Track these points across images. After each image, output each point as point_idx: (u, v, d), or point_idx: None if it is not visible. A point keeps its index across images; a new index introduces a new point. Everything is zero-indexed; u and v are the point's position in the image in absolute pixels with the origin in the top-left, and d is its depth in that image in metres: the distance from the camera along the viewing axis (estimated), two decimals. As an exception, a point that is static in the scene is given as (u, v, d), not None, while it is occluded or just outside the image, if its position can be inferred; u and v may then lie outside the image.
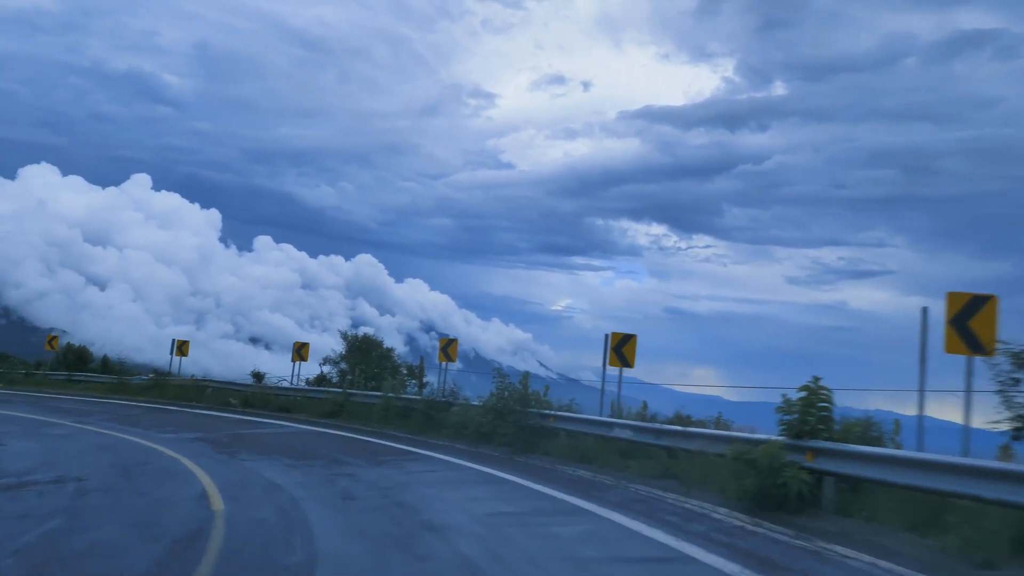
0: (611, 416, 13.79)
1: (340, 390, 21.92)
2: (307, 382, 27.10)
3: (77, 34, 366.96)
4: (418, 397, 19.31)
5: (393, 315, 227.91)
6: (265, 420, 20.51)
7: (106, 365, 37.31)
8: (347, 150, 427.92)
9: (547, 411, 15.08)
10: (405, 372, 27.31)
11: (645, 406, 13.80)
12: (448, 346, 20.32)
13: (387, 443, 16.00)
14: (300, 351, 25.11)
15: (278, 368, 27.99)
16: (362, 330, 29.20)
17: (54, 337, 32.05)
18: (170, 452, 13.89)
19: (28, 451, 13.65)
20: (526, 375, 15.99)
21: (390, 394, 19.91)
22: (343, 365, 27.79)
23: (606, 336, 15.46)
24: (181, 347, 27.68)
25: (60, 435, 16.57)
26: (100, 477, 10.44)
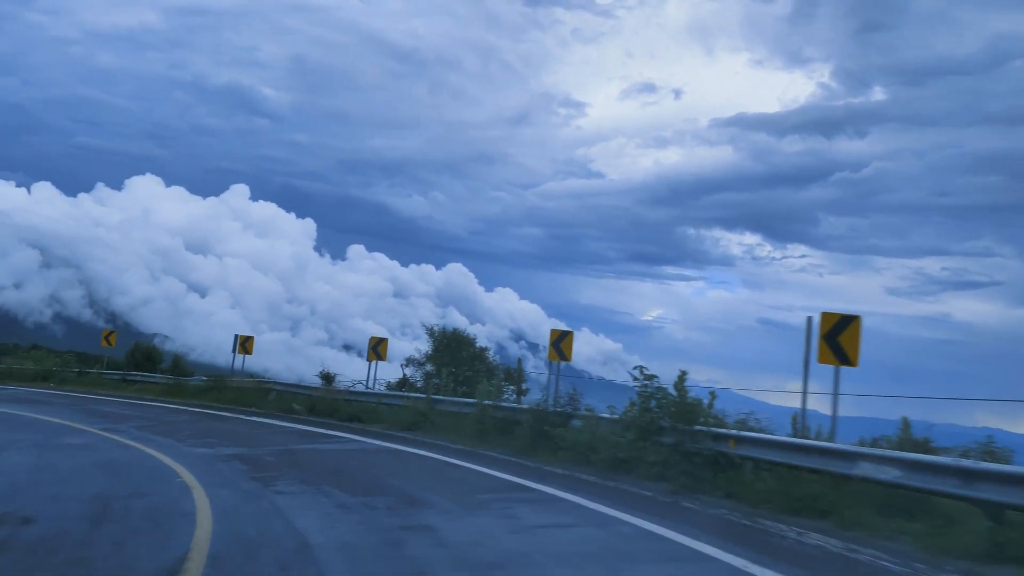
0: (855, 445, 8.85)
1: (423, 395, 17.65)
2: (387, 386, 23.07)
3: (181, 51, 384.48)
4: (523, 407, 14.81)
5: (483, 324, 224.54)
6: (329, 432, 16.45)
7: (177, 365, 34.65)
8: (438, 160, 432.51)
9: (722, 430, 10.33)
10: (501, 376, 22.94)
11: (912, 429, 8.82)
12: (561, 340, 15.77)
13: (484, 469, 11.57)
14: (377, 348, 21.08)
15: (362, 373, 24.07)
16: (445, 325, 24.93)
17: (111, 332, 29.30)
18: (186, 477, 10.10)
19: (7, 469, 10.62)
20: (682, 375, 11.27)
21: (486, 402, 15.51)
22: (428, 367, 23.63)
23: (808, 320, 10.63)
24: (244, 344, 24.20)
25: (71, 446, 13.30)
26: (58, 519, 7.29)
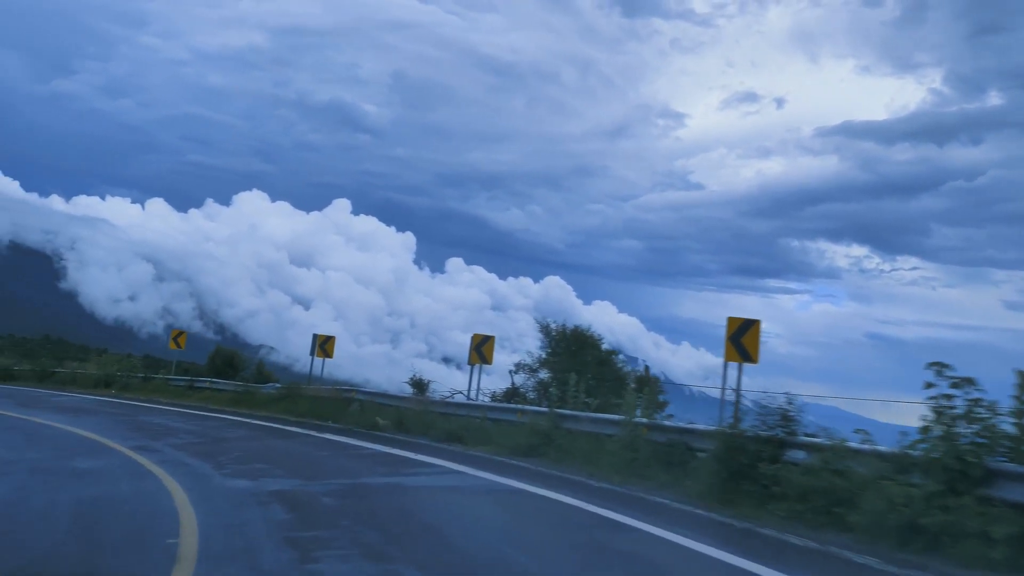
0: None
1: (545, 409, 13.17)
2: (492, 397, 18.83)
3: (286, 69, 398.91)
4: (704, 428, 10.15)
5: None
6: (419, 457, 12.25)
7: (260, 373, 31.61)
8: (536, 173, 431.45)
9: None
10: (634, 387, 18.38)
11: None
12: (744, 333, 11.05)
13: (671, 536, 7.03)
14: (481, 348, 16.84)
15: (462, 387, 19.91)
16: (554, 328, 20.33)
17: (180, 333, 26.24)
18: (186, 534, 6.76)
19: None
20: None
21: (639, 419, 10.96)
22: (542, 375, 19.27)
23: None
24: (324, 345, 20.50)
25: (74, 472, 9.98)
26: None
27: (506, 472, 10.80)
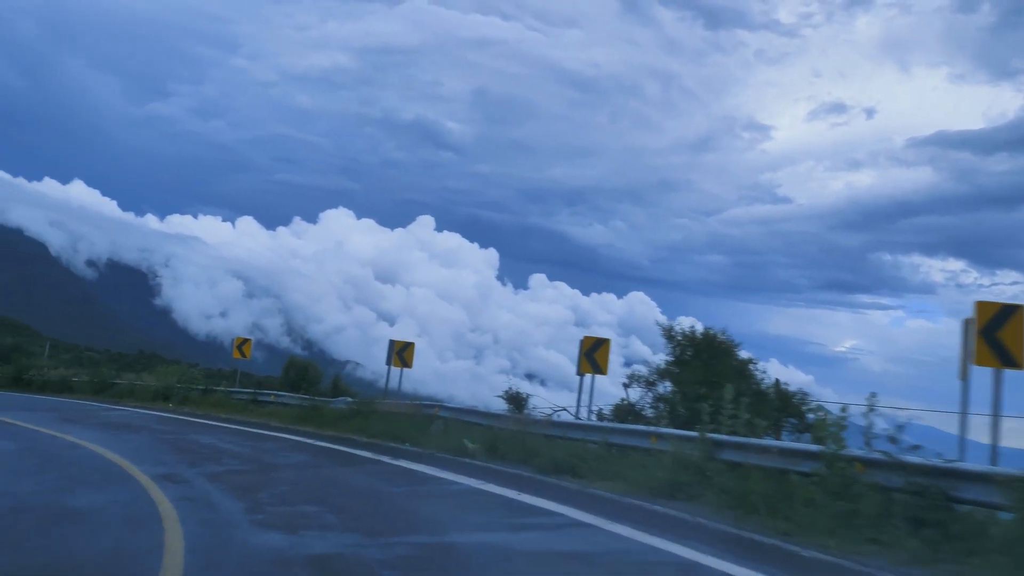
0: None
1: (693, 434, 9.68)
2: (598, 416, 15.54)
3: (371, 88, 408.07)
4: (976, 469, 6.57)
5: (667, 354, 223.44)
6: (525, 499, 9.01)
7: (337, 387, 29.18)
8: (619, 188, 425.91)
9: None
10: (776, 402, 14.89)
11: None
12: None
13: None
14: (593, 355, 13.52)
15: (555, 401, 16.76)
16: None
17: (245, 341, 23.78)
18: None
19: None
20: None
21: (854, 450, 7.46)
22: (663, 387, 15.86)
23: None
24: (402, 353, 17.48)
25: (62, 514, 7.58)
26: None
27: (654, 525, 7.44)
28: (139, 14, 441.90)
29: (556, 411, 14.61)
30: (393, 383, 18.71)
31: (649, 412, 15.83)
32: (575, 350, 14.77)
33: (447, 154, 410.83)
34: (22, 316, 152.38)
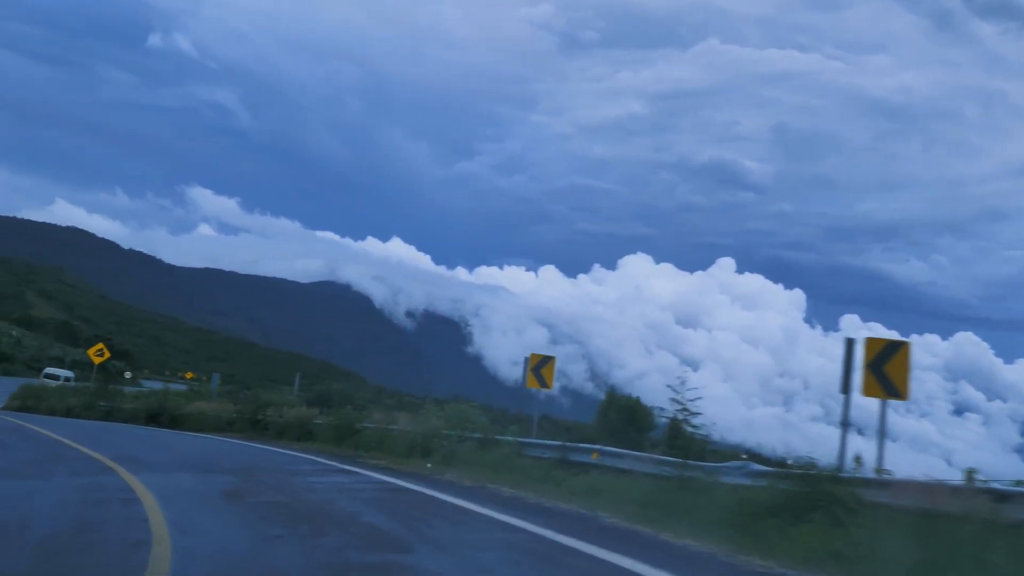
0: None
1: None
2: None
3: (665, 133, 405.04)
4: None
5: (1004, 400, 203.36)
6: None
7: (677, 436, 19.79)
8: (938, 220, 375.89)
9: None
10: None
11: None
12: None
13: None
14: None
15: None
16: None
17: (545, 361, 14.48)
18: None
19: None
20: None
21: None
22: None
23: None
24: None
25: None
26: None
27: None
28: (447, 83, 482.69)
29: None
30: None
31: None
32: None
33: (746, 194, 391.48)
34: (353, 365, 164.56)
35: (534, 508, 8.95)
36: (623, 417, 21.94)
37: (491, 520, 8.03)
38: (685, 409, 9.07)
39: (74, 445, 15.10)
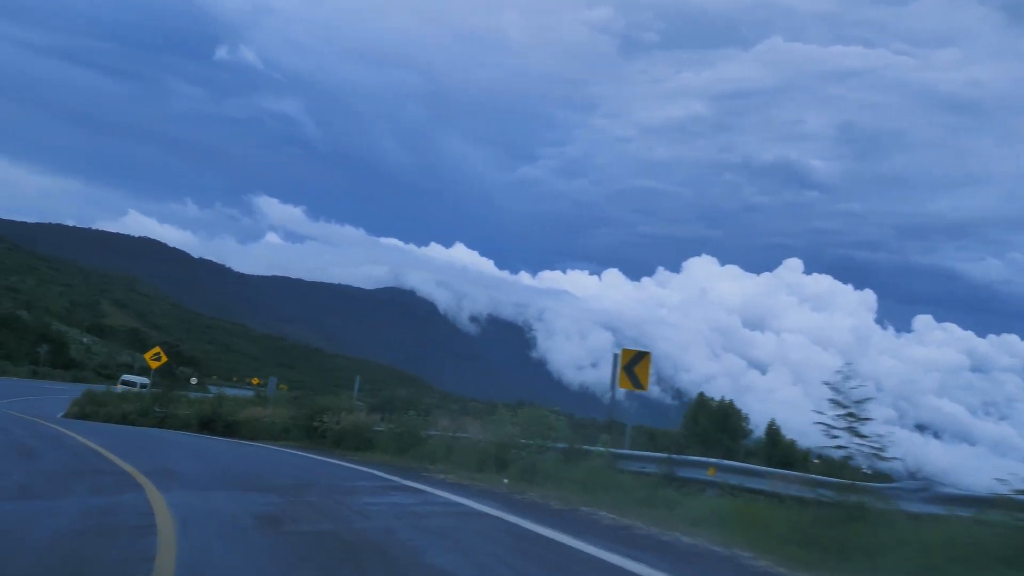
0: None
1: None
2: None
3: (728, 134, 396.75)
4: None
5: None
6: None
7: (775, 443, 18.00)
8: (1014, 217, 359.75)
9: None
10: None
11: None
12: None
13: None
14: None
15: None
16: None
17: (639, 358, 12.27)
18: None
19: None
20: None
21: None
22: None
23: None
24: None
25: None
26: None
27: None
28: (507, 88, 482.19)
29: None
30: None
31: None
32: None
33: (812, 194, 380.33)
34: (418, 371, 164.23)
35: (650, 542, 6.85)
36: (715, 423, 19.64)
37: (598, 563, 5.97)
38: (852, 414, 6.74)
39: (109, 456, 13.58)
